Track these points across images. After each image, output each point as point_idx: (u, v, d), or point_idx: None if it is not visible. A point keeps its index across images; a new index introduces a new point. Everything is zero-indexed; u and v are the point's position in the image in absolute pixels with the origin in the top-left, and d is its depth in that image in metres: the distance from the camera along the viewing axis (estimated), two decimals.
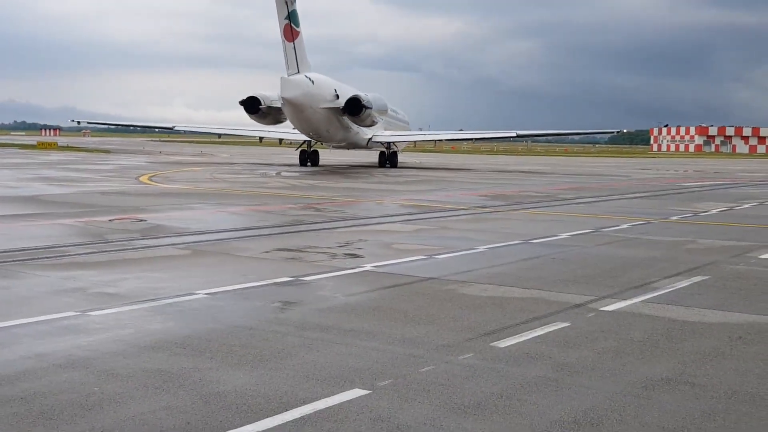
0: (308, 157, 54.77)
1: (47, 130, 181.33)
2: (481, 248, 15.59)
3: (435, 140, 67.79)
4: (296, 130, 52.76)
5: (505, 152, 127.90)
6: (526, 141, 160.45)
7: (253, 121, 51.98)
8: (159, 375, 7.05)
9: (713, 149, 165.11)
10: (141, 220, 19.09)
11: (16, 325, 8.77)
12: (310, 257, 14.14)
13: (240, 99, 49.76)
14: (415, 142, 68.79)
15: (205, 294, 10.62)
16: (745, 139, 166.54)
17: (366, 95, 50.21)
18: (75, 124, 76.90)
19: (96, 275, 11.90)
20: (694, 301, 10.64)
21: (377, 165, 55.47)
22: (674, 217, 22.86)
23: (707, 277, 12.52)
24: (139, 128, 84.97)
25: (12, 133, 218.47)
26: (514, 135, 67.22)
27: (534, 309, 9.97)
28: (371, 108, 50.13)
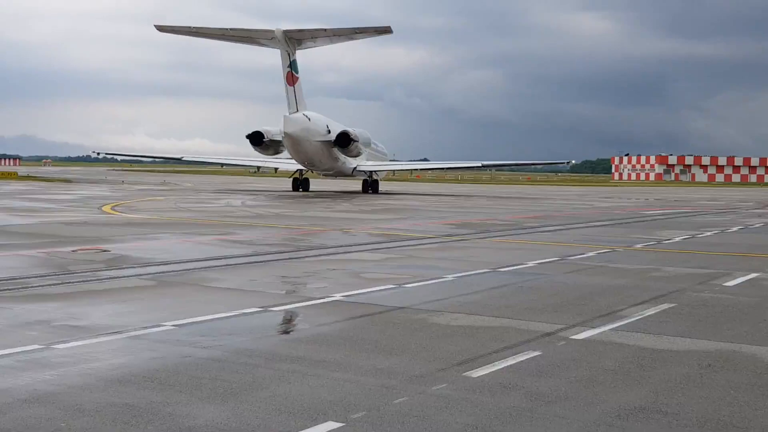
0: (300, 184, 62.95)
1: (7, 160, 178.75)
2: (450, 277, 15.59)
3: (411, 170, 75.81)
4: (292, 160, 60.54)
5: (471, 181, 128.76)
6: (491, 170, 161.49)
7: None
8: (127, 409, 6.90)
9: (673, 178, 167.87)
10: (105, 251, 18.81)
11: None
12: (278, 287, 14.03)
13: (246, 133, 57.70)
14: (393, 171, 76.19)
15: (173, 326, 10.45)
16: (704, 167, 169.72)
17: (353, 130, 58.10)
18: (94, 155, 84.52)
19: (60, 307, 11.67)
20: (663, 328, 10.71)
21: (361, 191, 62.44)
22: (638, 245, 23.10)
23: (674, 305, 12.63)
24: (148, 158, 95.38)
25: None
26: (480, 165, 73.18)
27: (505, 338, 9.96)
28: (358, 141, 58.12)
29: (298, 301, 12.51)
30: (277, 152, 59.34)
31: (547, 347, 9.47)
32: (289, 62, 56.25)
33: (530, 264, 17.89)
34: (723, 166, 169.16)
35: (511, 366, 8.55)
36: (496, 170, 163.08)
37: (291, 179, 64.93)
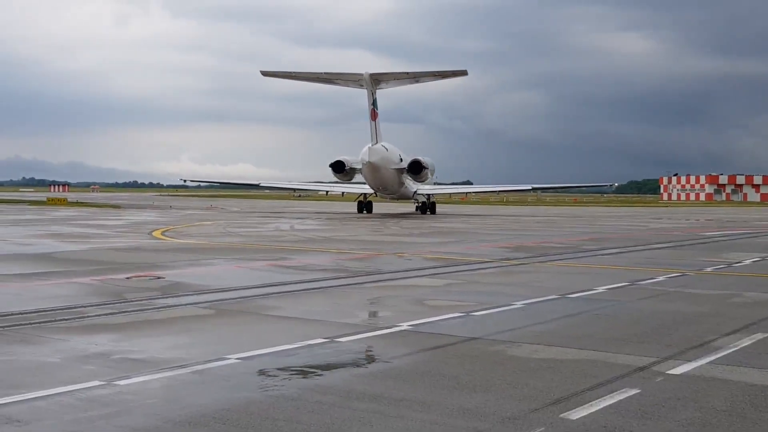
0: (365, 207, 67.11)
1: (56, 186, 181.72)
2: (518, 304, 14.84)
3: (466, 192, 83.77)
4: (357, 185, 68.14)
5: (515, 203, 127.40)
6: (537, 192, 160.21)
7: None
8: None
9: (724, 198, 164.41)
10: (159, 278, 18.42)
11: (37, 397, 8.04)
12: (339, 315, 13.40)
13: (330, 162, 63.43)
14: (450, 194, 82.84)
15: (237, 359, 9.88)
16: (756, 187, 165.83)
17: (425, 159, 63.64)
18: (180, 182, 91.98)
19: (118, 338, 11.20)
20: (765, 362, 9.85)
21: (420, 213, 67.50)
22: (708, 269, 22.07)
23: None
24: (230, 185, 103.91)
25: (21, 189, 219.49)
26: (530, 188, 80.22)
27: (595, 373, 9.20)
28: (428, 168, 64.10)
29: (364, 331, 11.86)
30: (351, 179, 65.08)
31: (645, 384, 8.68)
32: (372, 101, 62.35)
33: (600, 290, 17.05)
34: None
35: (611, 406, 7.79)
36: (542, 192, 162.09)
37: (356, 202, 69.69)
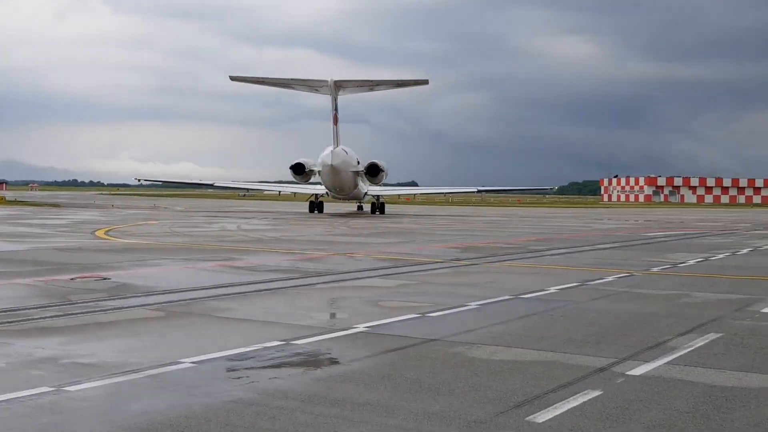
0: (316, 207, 68.86)
1: None
2: (473, 305, 14.79)
3: (413, 194, 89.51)
4: (310, 185, 70.52)
5: (460, 203, 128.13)
6: (482, 193, 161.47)
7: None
8: None
9: (662, 199, 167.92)
10: (104, 279, 17.93)
11: None
12: (294, 317, 13.16)
13: (291, 164, 65.39)
14: (398, 195, 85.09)
15: (191, 363, 9.60)
16: (693, 189, 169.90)
17: (381, 162, 66.39)
18: (136, 182, 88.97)
19: (65, 342, 10.81)
20: (722, 362, 9.94)
21: (369, 213, 69.58)
22: (655, 269, 22.39)
23: (721, 335, 11.86)
24: (184, 185, 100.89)
25: None
26: (476, 190, 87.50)
27: (556, 374, 9.16)
28: (384, 171, 66.54)
29: (321, 333, 11.67)
30: (309, 180, 67.32)
31: (607, 385, 8.67)
32: (335, 106, 64.51)
33: (552, 290, 17.13)
34: (712, 187, 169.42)
35: (575, 408, 7.75)
36: (486, 193, 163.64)
37: (307, 202, 71.63)
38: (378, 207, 70.35)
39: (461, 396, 8.21)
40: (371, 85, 67.53)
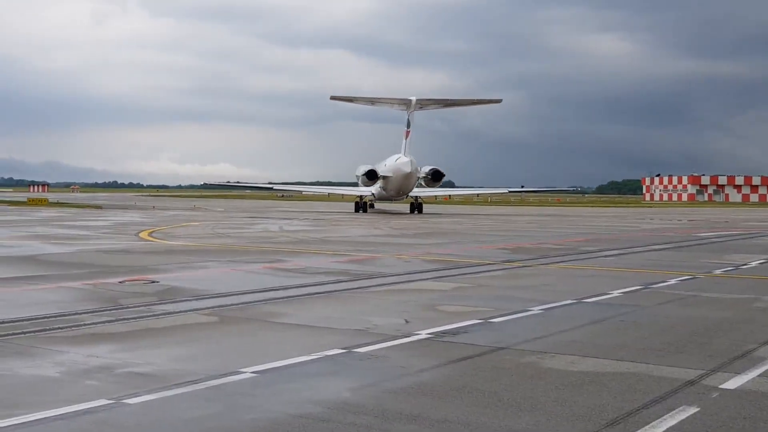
0: (361, 207, 74.18)
1: (35, 186, 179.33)
2: (536, 309, 14.16)
3: (450, 195, 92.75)
4: (354, 188, 78.57)
5: (499, 203, 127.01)
6: (522, 194, 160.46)
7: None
8: None
9: (706, 198, 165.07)
10: (153, 282, 17.59)
11: (36, 420, 7.25)
12: (352, 322, 12.65)
13: (362, 170, 72.40)
14: (435, 196, 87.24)
15: (252, 373, 9.12)
16: (738, 188, 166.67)
17: (441, 168, 72.02)
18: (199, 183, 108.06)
19: (120, 350, 10.40)
20: None
21: (409, 212, 72.20)
22: (717, 271, 21.52)
23: None
24: (247, 187, 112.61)
25: None
26: (506, 191, 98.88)
27: (644, 388, 8.52)
28: (445, 175, 73.67)
29: (382, 340, 11.12)
30: (373, 184, 72.55)
31: (702, 401, 8.00)
32: (409, 122, 71.77)
33: (615, 293, 16.43)
34: (757, 186, 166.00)
35: (674, 428, 7.11)
36: (523, 194, 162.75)
37: (354, 203, 77.43)
38: (417, 207, 73.40)
39: (546, 412, 7.62)
40: (448, 103, 76.81)
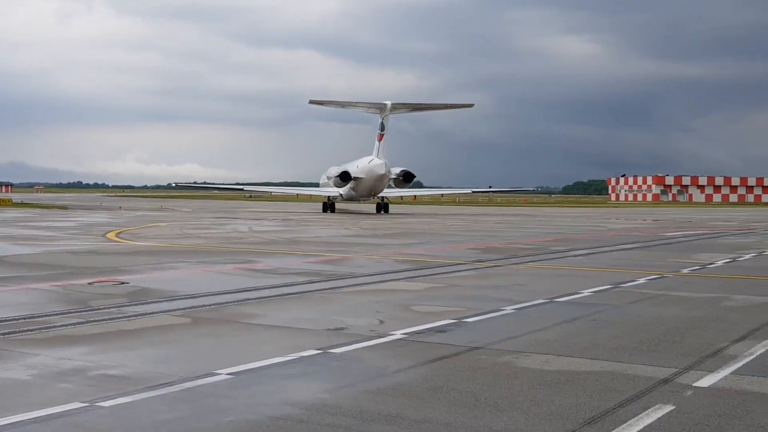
0: (329, 207, 75.49)
1: None
2: (508, 309, 14.23)
3: (415, 195, 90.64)
4: (323, 189, 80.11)
5: (467, 204, 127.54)
6: (489, 194, 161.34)
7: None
8: None
9: (670, 198, 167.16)
10: (123, 283, 17.40)
11: (10, 423, 7.13)
12: (326, 323, 12.61)
13: (335, 171, 74.53)
14: (401, 196, 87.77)
15: (227, 374, 9.05)
16: (701, 188, 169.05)
17: (411, 170, 74.55)
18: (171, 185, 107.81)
19: (92, 352, 10.26)
20: None
21: (375, 212, 74.01)
22: (684, 270, 21.78)
23: None
24: (215, 188, 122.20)
25: None
26: (470, 191, 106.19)
27: (618, 387, 8.59)
28: (415, 176, 76.45)
29: (357, 341, 11.10)
30: (345, 185, 74.15)
31: (677, 399, 8.09)
32: (382, 125, 73.49)
33: (585, 293, 16.57)
34: (720, 186, 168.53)
35: (651, 426, 7.18)
36: (490, 194, 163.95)
37: (321, 203, 78.70)
38: (383, 207, 75.56)
39: (524, 411, 7.65)
40: (421, 107, 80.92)
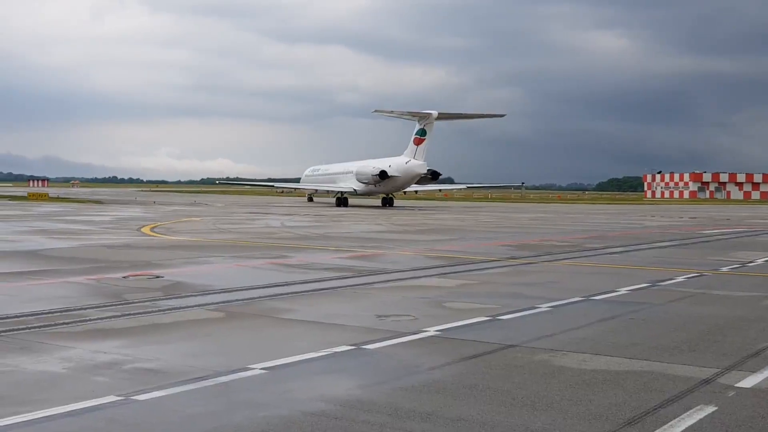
0: (342, 202, 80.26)
1: (35, 181, 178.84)
2: (544, 306, 14.05)
3: (416, 191, 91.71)
4: (338, 185, 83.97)
5: (499, 199, 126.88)
6: (521, 189, 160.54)
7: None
8: None
9: (708, 195, 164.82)
10: (157, 277, 17.49)
11: (44, 417, 7.13)
12: (359, 319, 12.53)
13: (373, 169, 77.89)
14: (416, 191, 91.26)
15: (262, 369, 9.01)
16: (740, 185, 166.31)
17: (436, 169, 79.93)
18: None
19: (127, 345, 10.28)
20: None
21: (381, 206, 78.99)
22: (724, 269, 21.40)
23: None
24: (249, 184, 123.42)
25: None
26: (466, 186, 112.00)
27: (659, 387, 8.40)
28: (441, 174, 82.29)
29: (391, 337, 11.01)
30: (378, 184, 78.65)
31: (719, 400, 7.89)
32: (419, 129, 77.44)
33: (622, 291, 16.32)
34: (759, 183, 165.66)
35: (693, 427, 7.00)
36: (525, 189, 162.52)
37: (335, 198, 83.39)
38: (388, 201, 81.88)
39: (561, 411, 7.50)
40: (460, 118, 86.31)
